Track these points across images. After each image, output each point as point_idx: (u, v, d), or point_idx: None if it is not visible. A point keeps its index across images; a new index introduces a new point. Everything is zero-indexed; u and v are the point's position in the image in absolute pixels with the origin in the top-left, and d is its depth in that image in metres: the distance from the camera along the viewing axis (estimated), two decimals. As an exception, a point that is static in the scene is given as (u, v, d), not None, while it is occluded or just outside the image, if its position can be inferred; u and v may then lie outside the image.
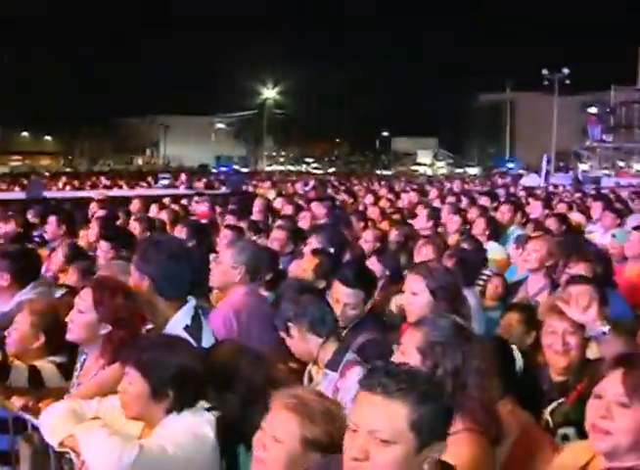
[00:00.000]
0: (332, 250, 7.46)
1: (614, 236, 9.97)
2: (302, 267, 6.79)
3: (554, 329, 4.48)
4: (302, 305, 4.55)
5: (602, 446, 2.90)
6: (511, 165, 77.85)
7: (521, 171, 61.34)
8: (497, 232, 9.73)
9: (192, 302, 4.79)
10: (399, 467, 2.52)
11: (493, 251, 8.90)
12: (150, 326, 4.75)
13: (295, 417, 3.10)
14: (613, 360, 3.05)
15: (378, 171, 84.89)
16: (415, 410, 2.52)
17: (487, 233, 9.35)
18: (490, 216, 10.51)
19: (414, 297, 4.90)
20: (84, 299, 4.37)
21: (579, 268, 6.05)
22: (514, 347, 4.30)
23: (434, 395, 2.59)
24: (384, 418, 2.53)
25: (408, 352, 3.44)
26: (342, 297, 5.30)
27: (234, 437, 3.64)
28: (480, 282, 7.64)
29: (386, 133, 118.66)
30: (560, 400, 4.12)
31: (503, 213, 11.22)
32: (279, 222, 10.08)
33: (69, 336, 4.43)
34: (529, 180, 39.29)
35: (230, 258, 5.80)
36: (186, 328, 4.52)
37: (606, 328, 3.89)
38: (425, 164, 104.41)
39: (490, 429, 3.37)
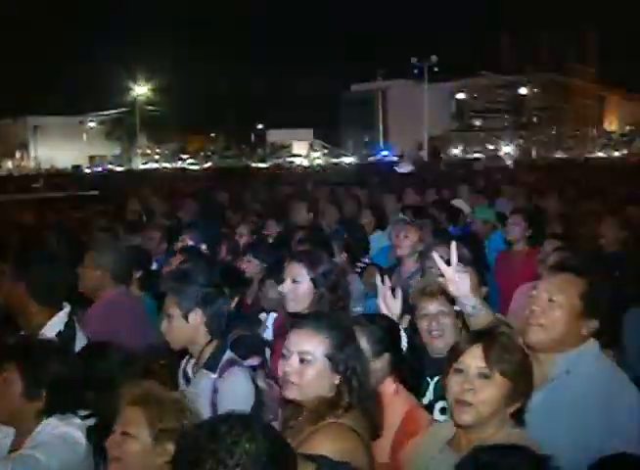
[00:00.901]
0: (204, 246, 7.42)
1: (474, 212, 10.27)
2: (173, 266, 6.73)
3: (427, 312, 4.56)
4: (213, 295, 4.45)
5: (466, 418, 3.06)
6: (385, 153, 79.06)
7: (395, 158, 62.43)
8: (384, 221, 9.83)
9: (66, 308, 4.70)
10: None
11: (378, 240, 9.01)
12: (22, 333, 4.66)
13: (141, 410, 3.09)
14: (472, 335, 3.25)
15: (254, 164, 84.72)
16: None
17: (373, 222, 9.45)
18: (377, 206, 10.60)
19: (295, 285, 4.81)
20: None
21: (441, 251, 6.20)
22: (401, 327, 4.30)
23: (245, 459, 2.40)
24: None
25: (315, 359, 3.31)
26: None
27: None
28: (358, 270, 7.77)
29: (260, 126, 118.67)
30: (437, 377, 4.18)
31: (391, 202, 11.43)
32: (154, 221, 10.02)
33: None
34: (403, 167, 39.99)
35: (93, 261, 5.71)
36: (59, 335, 4.44)
37: (475, 302, 3.95)
38: (301, 156, 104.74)
39: (377, 422, 3.42)
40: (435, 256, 4.11)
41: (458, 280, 3.94)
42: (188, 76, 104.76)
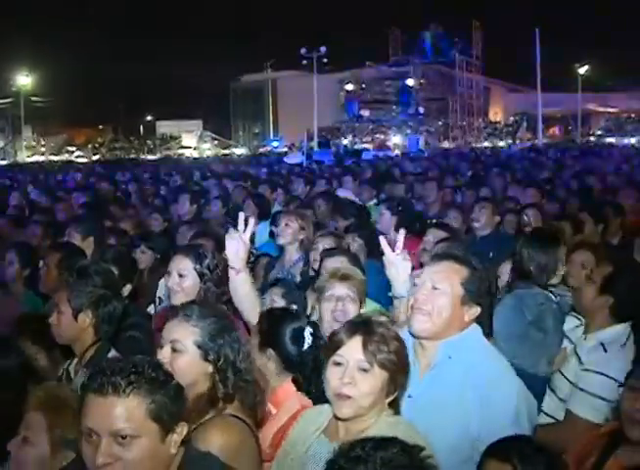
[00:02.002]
0: (92, 239, 7.32)
1: (362, 201, 10.39)
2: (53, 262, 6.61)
3: (334, 293, 4.67)
4: (107, 298, 4.41)
5: (347, 412, 3.09)
6: (275, 144, 78.97)
7: (285, 149, 62.54)
8: (267, 212, 9.83)
9: None
10: (150, 459, 2.53)
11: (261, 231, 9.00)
12: None
13: (42, 415, 3.05)
14: (349, 325, 3.24)
15: (143, 156, 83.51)
16: (151, 400, 2.52)
17: (257, 213, 9.45)
18: (260, 196, 10.61)
19: (181, 278, 4.89)
20: None
21: (325, 243, 6.32)
22: (307, 328, 4.32)
23: (163, 380, 2.60)
24: (123, 416, 2.48)
25: (185, 348, 3.38)
26: None
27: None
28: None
29: (150, 117, 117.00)
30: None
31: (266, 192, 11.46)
32: (36, 216, 9.83)
33: None
34: (293, 158, 39.99)
35: None
36: None
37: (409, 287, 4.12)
38: (190, 147, 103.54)
39: (257, 411, 3.48)
40: (383, 240, 4.28)
41: (400, 265, 4.17)
42: (75, 67, 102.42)
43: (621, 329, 4.61)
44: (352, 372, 3.09)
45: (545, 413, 4.67)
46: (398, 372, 3.17)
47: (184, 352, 3.36)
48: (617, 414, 3.48)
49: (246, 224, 4.57)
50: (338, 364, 3.13)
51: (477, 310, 3.63)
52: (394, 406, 3.23)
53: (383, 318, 3.62)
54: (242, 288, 4.60)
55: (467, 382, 3.47)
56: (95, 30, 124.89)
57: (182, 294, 4.82)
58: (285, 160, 39.03)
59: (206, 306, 3.67)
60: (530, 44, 61.07)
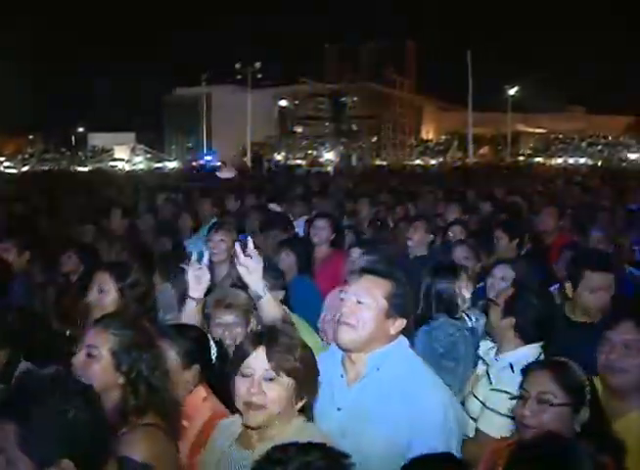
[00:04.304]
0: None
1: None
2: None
3: (222, 322, 4.81)
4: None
5: (257, 420, 3.17)
6: (209, 158, 78.65)
7: (218, 164, 62.40)
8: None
9: None
10: None
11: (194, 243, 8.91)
12: None
13: None
14: (253, 336, 3.33)
15: (74, 168, 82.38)
16: (21, 430, 2.44)
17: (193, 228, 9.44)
18: (198, 211, 10.62)
19: (101, 294, 4.87)
20: None
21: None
22: (210, 337, 4.41)
23: (49, 412, 2.48)
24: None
25: (100, 354, 3.42)
26: None
27: None
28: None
29: (81, 129, 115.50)
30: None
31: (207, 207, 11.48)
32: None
33: None
34: (226, 172, 39.91)
35: None
36: None
37: (264, 289, 4.29)
38: (122, 160, 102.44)
39: (175, 426, 3.50)
40: (237, 246, 4.37)
41: (251, 267, 4.27)
42: (5, 74, 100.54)
43: (530, 350, 4.68)
44: (259, 382, 3.16)
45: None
46: (305, 378, 3.24)
47: (98, 358, 3.41)
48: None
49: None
50: (245, 375, 3.20)
51: (402, 323, 3.70)
52: (306, 413, 3.30)
53: (287, 326, 3.71)
54: (194, 318, 4.60)
55: (394, 394, 3.54)
56: (27, 38, 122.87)
57: (102, 309, 4.77)
58: (218, 174, 38.92)
59: (129, 320, 3.72)
60: (463, 65, 62.13)
